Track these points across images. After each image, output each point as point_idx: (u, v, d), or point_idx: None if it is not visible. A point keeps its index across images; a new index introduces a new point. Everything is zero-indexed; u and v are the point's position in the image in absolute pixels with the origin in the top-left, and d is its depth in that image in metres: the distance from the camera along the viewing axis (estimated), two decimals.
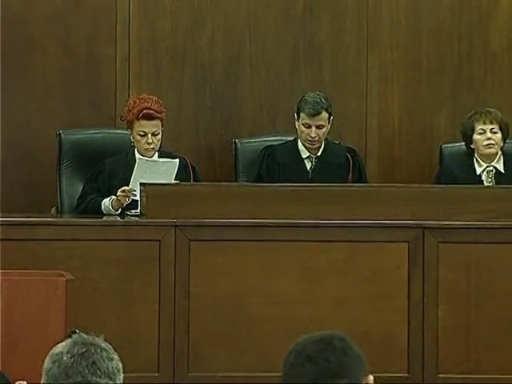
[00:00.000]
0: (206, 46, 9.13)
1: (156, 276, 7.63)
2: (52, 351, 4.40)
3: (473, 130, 8.51)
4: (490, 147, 8.44)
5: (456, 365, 7.63)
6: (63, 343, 4.41)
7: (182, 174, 8.34)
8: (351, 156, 8.71)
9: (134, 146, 8.36)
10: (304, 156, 8.60)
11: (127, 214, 8.01)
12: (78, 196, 8.39)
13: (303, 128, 8.52)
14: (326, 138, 8.59)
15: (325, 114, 8.48)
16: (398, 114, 9.28)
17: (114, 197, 8.04)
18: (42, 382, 4.40)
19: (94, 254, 7.57)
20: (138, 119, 8.31)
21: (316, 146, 8.57)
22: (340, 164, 8.63)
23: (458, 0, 9.00)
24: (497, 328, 7.66)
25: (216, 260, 7.71)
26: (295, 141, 8.61)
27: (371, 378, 4.16)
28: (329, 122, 8.53)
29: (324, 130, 8.52)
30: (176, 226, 7.68)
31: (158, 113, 8.33)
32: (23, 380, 5.57)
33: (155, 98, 8.44)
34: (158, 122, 8.32)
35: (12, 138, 8.92)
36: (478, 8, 9.08)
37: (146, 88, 8.80)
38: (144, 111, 8.30)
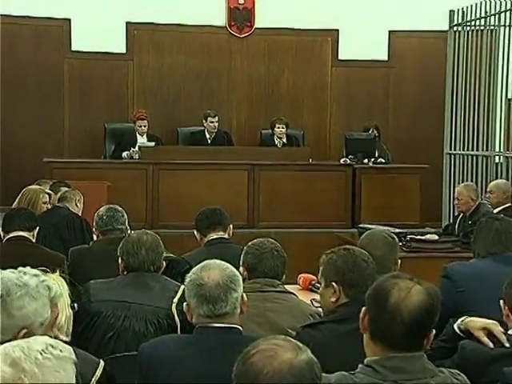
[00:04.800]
0: (166, 91, 8.89)
1: (144, 185, 7.52)
2: (99, 211, 4.33)
3: (274, 126, 8.42)
4: (280, 135, 8.36)
5: (267, 219, 7.60)
6: (103, 208, 4.35)
7: (158, 142, 8.15)
8: (226, 135, 8.56)
9: (136, 132, 8.14)
10: (207, 137, 8.35)
11: (133, 158, 7.81)
12: (112, 151, 8.18)
13: (210, 123, 8.29)
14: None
15: (217, 117, 8.32)
16: (245, 118, 9.08)
17: (128, 152, 7.84)
18: (94, 225, 4.34)
19: (119, 175, 7.41)
20: (137, 120, 8.15)
21: (215, 131, 8.33)
22: (223, 139, 8.42)
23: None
24: (284, 201, 7.63)
25: (171, 179, 7.58)
26: (203, 130, 8.35)
27: (231, 226, 4.16)
28: (219, 120, 8.38)
29: (218, 123, 8.33)
30: (153, 163, 7.57)
31: (145, 117, 8.15)
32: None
33: (144, 111, 8.28)
34: (146, 121, 8.13)
35: (85, 128, 8.66)
36: (276, 74, 9.00)
37: (142, 107, 8.54)
38: (139, 116, 8.16)
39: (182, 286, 2.74)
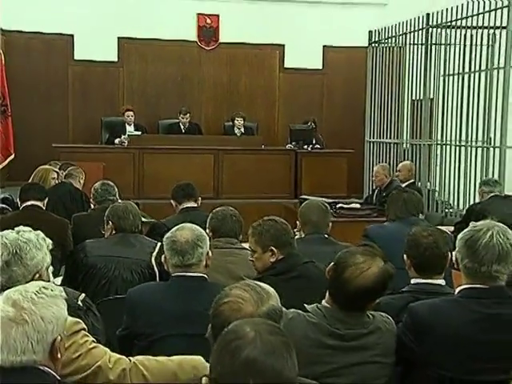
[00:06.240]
0: (149, 92, 8.77)
1: (131, 165, 7.31)
2: (95, 186, 4.21)
3: (234, 119, 8.35)
4: (239, 126, 8.30)
5: (228, 192, 7.47)
6: (98, 183, 4.23)
7: (143, 131, 7.94)
8: (197, 126, 8.43)
9: (126, 122, 7.97)
10: (182, 127, 8.21)
11: (123, 144, 7.61)
12: (106, 138, 7.99)
13: (183, 118, 8.15)
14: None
15: (188, 114, 8.19)
16: (212, 113, 8.96)
17: (119, 139, 7.65)
18: (91, 196, 4.22)
19: (112, 158, 7.16)
20: (125, 111, 8.00)
21: (188, 123, 8.17)
22: (194, 129, 8.28)
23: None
24: (242, 178, 7.46)
25: (153, 161, 7.36)
26: (179, 122, 8.21)
27: (200, 197, 4.03)
28: (190, 115, 8.23)
29: (188, 118, 8.18)
30: (139, 148, 7.40)
31: (131, 109, 8.00)
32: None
33: (129, 106, 8.13)
34: (132, 112, 7.97)
35: (85, 120, 8.52)
36: (236, 79, 8.89)
37: (130, 104, 8.35)
38: (127, 108, 8.02)
39: (159, 243, 2.73)
